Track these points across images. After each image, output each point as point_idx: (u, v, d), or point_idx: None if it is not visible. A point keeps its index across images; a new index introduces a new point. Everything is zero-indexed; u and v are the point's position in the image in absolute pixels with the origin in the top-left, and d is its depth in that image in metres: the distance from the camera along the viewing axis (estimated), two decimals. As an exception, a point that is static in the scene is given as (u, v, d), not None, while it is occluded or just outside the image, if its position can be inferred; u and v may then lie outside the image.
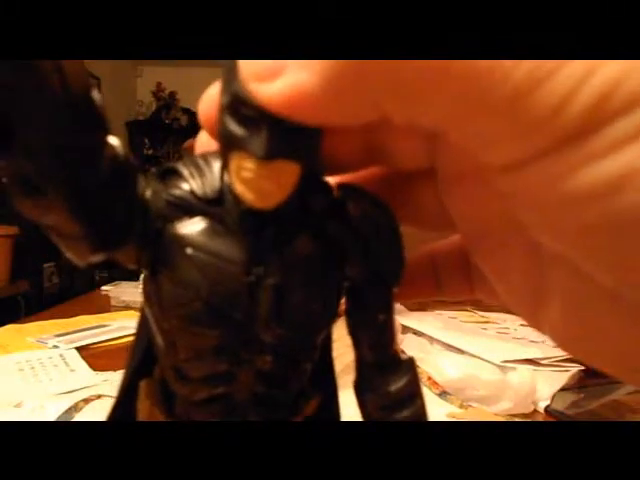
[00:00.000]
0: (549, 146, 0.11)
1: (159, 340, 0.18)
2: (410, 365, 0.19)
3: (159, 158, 3.66)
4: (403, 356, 0.19)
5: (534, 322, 0.17)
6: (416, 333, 0.71)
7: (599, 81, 0.11)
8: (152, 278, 0.17)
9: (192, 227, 0.17)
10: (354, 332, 0.19)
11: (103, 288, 1.10)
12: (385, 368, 0.19)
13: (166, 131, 3.71)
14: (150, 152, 3.72)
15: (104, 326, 0.80)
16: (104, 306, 0.97)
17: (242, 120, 0.15)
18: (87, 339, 0.73)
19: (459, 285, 0.21)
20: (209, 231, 0.17)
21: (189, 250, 0.17)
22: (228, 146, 0.16)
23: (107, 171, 0.15)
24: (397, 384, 0.19)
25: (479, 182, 0.15)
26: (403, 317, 0.75)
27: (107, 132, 0.15)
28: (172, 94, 3.75)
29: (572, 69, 0.11)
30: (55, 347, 0.71)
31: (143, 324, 0.20)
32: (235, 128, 0.15)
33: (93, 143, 0.14)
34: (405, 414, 0.18)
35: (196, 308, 0.17)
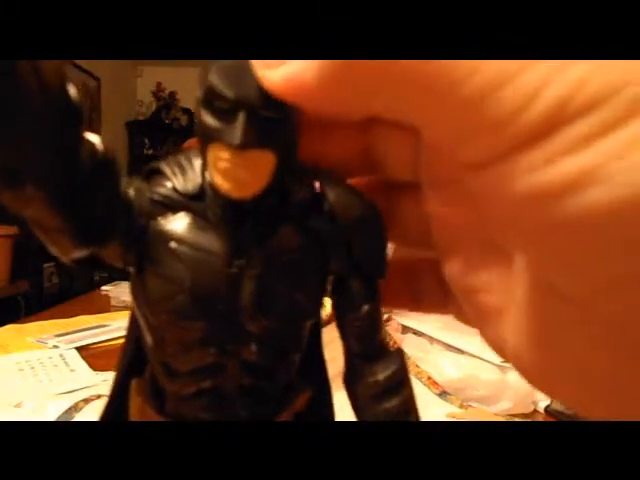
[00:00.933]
0: (513, 144, 0.12)
1: (148, 337, 0.19)
2: (398, 355, 0.19)
3: (159, 158, 3.64)
4: (391, 346, 0.20)
5: (499, 346, 0.16)
6: (416, 333, 0.71)
7: (562, 83, 0.11)
8: (138, 275, 0.18)
9: (175, 222, 0.17)
10: (340, 324, 0.19)
11: (103, 288, 1.10)
12: (372, 358, 0.19)
13: (166, 131, 3.71)
14: (150, 152, 3.71)
15: (104, 326, 0.80)
16: (104, 306, 0.97)
17: (217, 112, 0.15)
18: (87, 339, 0.73)
19: (436, 299, 0.20)
20: (192, 225, 0.17)
21: (173, 244, 0.17)
22: (205, 139, 0.16)
23: (86, 166, 0.15)
24: (385, 373, 0.19)
25: (454, 188, 0.15)
26: (403, 317, 0.75)
27: (83, 127, 0.15)
28: (172, 94, 3.75)
29: (537, 70, 0.11)
30: (55, 347, 0.71)
31: (132, 324, 0.20)
32: (210, 121, 0.15)
33: (69, 137, 0.14)
34: (394, 403, 0.19)
35: (181, 301, 0.17)
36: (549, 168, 0.11)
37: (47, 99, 0.13)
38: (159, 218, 0.17)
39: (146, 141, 3.80)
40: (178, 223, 0.17)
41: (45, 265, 2.44)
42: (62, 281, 2.58)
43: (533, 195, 0.12)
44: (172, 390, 0.19)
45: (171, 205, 0.17)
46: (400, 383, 0.19)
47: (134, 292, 0.18)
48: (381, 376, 0.19)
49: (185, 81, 3.55)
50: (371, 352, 0.19)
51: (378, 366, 0.19)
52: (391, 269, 0.19)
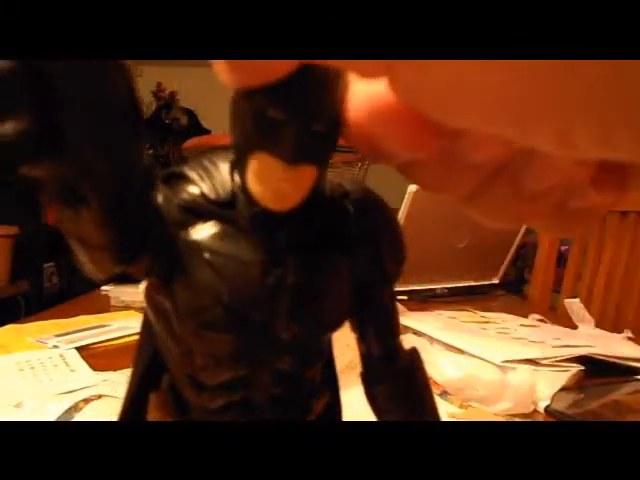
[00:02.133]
0: None
1: (173, 349, 0.18)
2: (414, 354, 0.20)
3: (159, 158, 3.67)
4: (407, 347, 0.20)
5: None
6: (416, 333, 0.71)
7: None
8: (165, 286, 0.17)
9: (207, 232, 0.17)
10: (360, 326, 0.19)
11: (103, 288, 1.10)
12: (392, 359, 0.19)
13: (166, 131, 3.71)
14: (150, 152, 3.71)
15: (104, 326, 0.80)
16: (104, 306, 0.96)
17: (268, 122, 0.15)
18: (87, 339, 0.73)
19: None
20: (224, 234, 0.17)
21: (206, 255, 0.16)
22: (249, 145, 0.15)
23: (138, 176, 0.15)
24: (403, 373, 0.19)
25: None
26: (403, 317, 0.75)
27: (144, 135, 0.15)
28: (172, 94, 3.75)
29: None
30: (55, 347, 0.70)
31: (146, 335, 0.19)
32: (260, 129, 0.15)
33: (134, 150, 0.14)
34: (413, 402, 0.19)
35: (215, 313, 0.17)
36: None
37: (120, 100, 0.13)
38: (189, 227, 0.17)
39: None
40: (209, 232, 0.17)
41: (45, 265, 2.43)
42: (62, 281, 2.58)
43: None
44: (198, 403, 0.18)
45: (200, 212, 0.17)
46: (418, 383, 0.19)
47: (154, 302, 0.18)
48: (399, 377, 0.19)
49: (185, 81, 3.56)
50: (389, 354, 0.19)
51: (396, 367, 0.19)
52: None
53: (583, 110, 0.12)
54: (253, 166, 0.16)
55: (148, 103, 4.02)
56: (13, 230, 1.94)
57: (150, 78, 3.92)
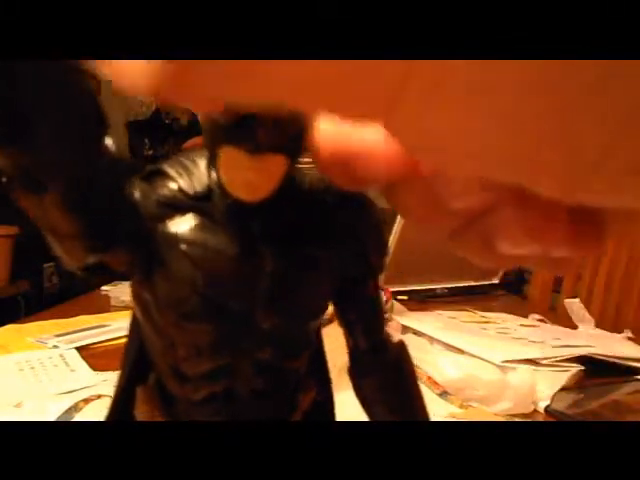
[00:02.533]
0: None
1: (156, 341, 0.18)
2: (401, 346, 0.20)
3: (159, 158, 3.65)
4: (393, 339, 0.20)
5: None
6: (416, 333, 0.71)
7: None
8: (146, 279, 0.18)
9: (184, 224, 0.17)
10: (346, 320, 0.20)
11: (103, 288, 1.10)
12: (377, 352, 0.20)
13: (166, 131, 3.71)
14: (150, 152, 3.71)
15: (104, 326, 0.80)
16: (104, 306, 0.96)
17: (230, 114, 0.15)
18: (87, 339, 0.73)
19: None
20: (201, 226, 0.17)
21: (183, 246, 0.17)
22: (215, 140, 0.16)
23: (103, 169, 0.15)
24: (390, 365, 0.19)
25: None
26: (403, 317, 0.75)
27: (107, 130, 0.15)
28: (172, 94, 3.74)
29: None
30: (55, 347, 0.70)
31: (134, 330, 0.20)
32: (222, 121, 0.15)
33: (94, 139, 0.15)
34: (401, 393, 0.19)
35: (194, 303, 0.17)
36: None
37: (83, 97, 0.13)
38: (166, 220, 0.17)
39: (146, 141, 3.80)
40: (187, 225, 0.17)
41: (45, 265, 2.43)
42: (62, 281, 2.58)
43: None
44: (182, 395, 0.19)
45: (178, 206, 0.17)
46: (405, 374, 0.20)
47: (138, 297, 0.18)
48: (386, 369, 0.19)
49: (185, 81, 3.54)
50: (375, 346, 0.20)
51: (383, 359, 0.19)
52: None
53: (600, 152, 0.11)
54: (221, 159, 0.16)
55: (148, 103, 4.03)
56: (13, 230, 1.94)
57: (150, 78, 3.91)
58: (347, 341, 0.20)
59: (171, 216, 0.17)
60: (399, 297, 0.90)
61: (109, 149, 0.15)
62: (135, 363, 0.20)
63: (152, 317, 0.18)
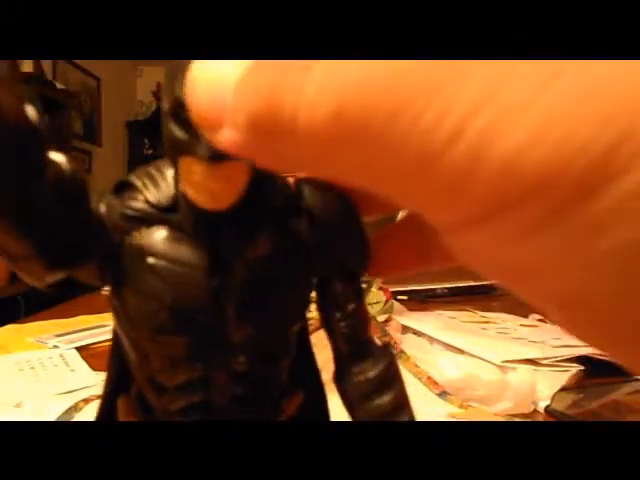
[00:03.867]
0: (476, 213, 0.10)
1: (132, 353, 0.18)
2: (386, 350, 0.19)
3: (159, 158, 3.64)
4: (378, 342, 0.20)
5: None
6: (416, 333, 0.71)
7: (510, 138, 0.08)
8: (117, 293, 0.17)
9: (151, 236, 0.17)
10: (327, 325, 0.19)
11: (103, 288, 1.10)
12: (361, 356, 0.19)
13: (166, 131, 3.70)
14: (150, 152, 3.71)
15: (104, 326, 0.80)
16: (104, 306, 0.96)
17: (185, 124, 0.14)
18: (87, 339, 0.73)
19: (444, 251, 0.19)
20: (168, 238, 0.17)
21: (150, 259, 0.17)
22: (175, 152, 0.15)
23: (53, 188, 0.15)
24: (374, 370, 0.19)
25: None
26: (403, 317, 0.75)
27: (46, 148, 0.14)
28: (172, 94, 3.74)
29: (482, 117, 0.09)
30: (55, 347, 0.70)
31: (115, 341, 0.19)
32: (179, 133, 0.15)
33: (32, 161, 0.14)
34: (385, 399, 0.19)
35: (163, 317, 0.17)
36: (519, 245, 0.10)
37: (3, 121, 0.13)
38: (134, 233, 0.17)
39: (146, 141, 3.80)
40: (154, 237, 0.17)
41: (45, 265, 2.43)
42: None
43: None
44: (161, 406, 0.19)
45: (145, 219, 0.17)
46: (390, 379, 0.19)
47: (114, 309, 0.18)
48: (371, 374, 0.19)
49: (185, 81, 3.55)
50: (359, 350, 0.19)
51: (367, 364, 0.19)
52: (386, 232, 0.18)
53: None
54: (182, 170, 0.15)
55: (148, 103, 4.03)
56: (13, 230, 1.94)
57: (150, 78, 3.93)
58: (331, 345, 0.19)
59: (138, 229, 0.17)
60: (399, 297, 0.90)
61: (59, 166, 0.15)
62: (118, 373, 0.20)
63: (126, 329, 0.18)
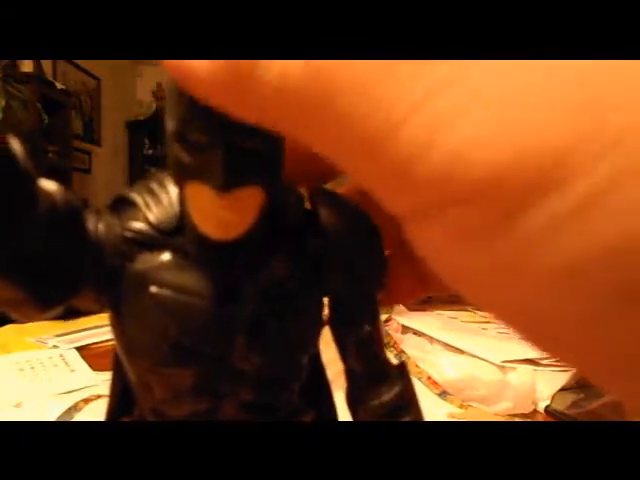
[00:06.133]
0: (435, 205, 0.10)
1: (133, 381, 0.17)
2: (402, 372, 0.18)
3: (159, 158, 3.67)
4: (393, 363, 0.18)
5: None
6: (416, 333, 0.71)
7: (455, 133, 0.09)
8: (116, 320, 0.16)
9: (153, 263, 0.15)
10: (341, 345, 0.18)
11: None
12: (376, 379, 0.18)
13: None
14: (150, 152, 3.71)
15: (104, 326, 0.80)
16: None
17: (193, 147, 0.13)
18: (87, 339, 0.73)
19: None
20: (173, 265, 0.15)
21: (153, 288, 0.15)
22: (181, 176, 0.14)
23: (45, 220, 0.13)
24: (389, 394, 0.18)
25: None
26: (403, 317, 0.75)
27: (34, 183, 0.13)
28: (172, 94, 3.74)
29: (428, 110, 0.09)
30: (55, 347, 0.71)
31: (116, 361, 0.18)
32: (186, 157, 0.13)
33: (22, 202, 0.13)
34: (399, 422, 0.18)
35: (165, 351, 0.15)
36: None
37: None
38: (135, 258, 0.15)
39: (146, 141, 3.80)
40: (157, 263, 0.15)
41: (45, 265, 2.43)
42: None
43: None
44: None
45: (147, 242, 0.15)
46: (406, 405, 0.18)
47: (114, 332, 0.17)
48: (385, 397, 0.18)
49: (185, 81, 3.55)
50: (374, 373, 0.18)
51: (382, 387, 0.18)
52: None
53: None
54: (189, 196, 0.14)
55: (148, 103, 4.03)
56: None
57: (150, 78, 3.92)
58: (343, 364, 0.18)
59: (140, 253, 0.15)
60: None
61: (52, 197, 0.14)
62: (120, 395, 0.19)
63: (126, 356, 0.17)
